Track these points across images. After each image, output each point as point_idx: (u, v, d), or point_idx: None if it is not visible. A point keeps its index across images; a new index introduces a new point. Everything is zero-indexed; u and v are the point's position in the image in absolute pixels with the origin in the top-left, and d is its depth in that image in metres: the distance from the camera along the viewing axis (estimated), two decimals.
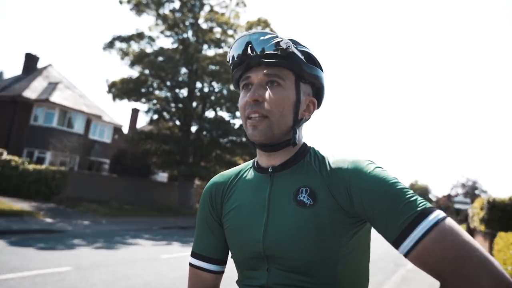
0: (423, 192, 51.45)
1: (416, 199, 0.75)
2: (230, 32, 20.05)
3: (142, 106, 55.38)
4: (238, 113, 19.75)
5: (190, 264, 1.01)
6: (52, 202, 14.76)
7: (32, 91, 21.59)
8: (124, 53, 17.27)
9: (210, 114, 20.97)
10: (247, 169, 1.02)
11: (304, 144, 0.97)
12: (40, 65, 25.52)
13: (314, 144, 1.03)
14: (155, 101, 19.87)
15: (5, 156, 15.53)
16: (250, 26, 19.34)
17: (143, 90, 18.74)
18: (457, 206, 27.71)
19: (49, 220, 10.84)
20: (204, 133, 19.83)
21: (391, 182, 0.78)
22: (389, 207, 0.75)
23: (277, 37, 0.90)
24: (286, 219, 0.84)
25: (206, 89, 20.25)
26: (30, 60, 24.98)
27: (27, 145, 20.87)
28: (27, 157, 20.49)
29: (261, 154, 0.95)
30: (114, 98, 18.17)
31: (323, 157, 0.91)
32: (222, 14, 19.76)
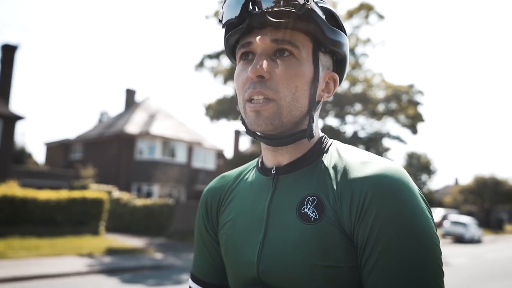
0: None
1: (436, 279, 0.65)
2: None
3: (242, 125, 57.88)
4: (348, 119, 19.23)
5: None
6: (162, 236, 16.20)
7: (134, 125, 24.43)
8: (216, 71, 18.46)
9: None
10: (250, 170, 0.91)
11: (322, 139, 0.83)
12: (139, 98, 28.89)
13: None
14: None
15: (116, 193, 17.74)
16: (350, 15, 18.86)
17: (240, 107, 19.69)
18: None
19: (159, 255, 11.85)
20: None
21: (423, 233, 0.66)
22: (396, 259, 0.65)
23: None
24: (286, 237, 0.74)
25: None
26: (130, 95, 28.44)
27: (135, 180, 23.52)
28: (137, 191, 23.09)
29: (266, 149, 0.84)
30: (211, 120, 19.41)
31: (344, 156, 0.77)
32: None
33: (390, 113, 18.34)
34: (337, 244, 0.69)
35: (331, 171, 0.76)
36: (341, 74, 0.85)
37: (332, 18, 0.80)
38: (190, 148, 26.05)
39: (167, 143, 24.55)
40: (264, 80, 0.74)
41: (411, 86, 18.24)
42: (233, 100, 19.14)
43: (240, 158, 20.84)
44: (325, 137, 0.85)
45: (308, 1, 0.72)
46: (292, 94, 0.75)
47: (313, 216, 0.72)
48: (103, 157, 24.45)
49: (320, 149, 0.81)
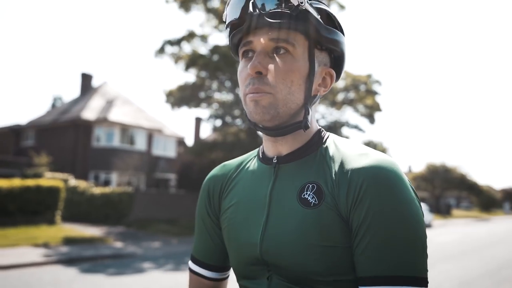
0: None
1: (421, 261, 0.72)
2: None
3: (204, 112, 57.50)
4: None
5: (189, 269, 1.00)
6: (122, 225, 15.91)
7: (91, 111, 23.64)
8: (177, 57, 18.09)
9: None
10: (251, 159, 0.98)
11: (320, 131, 0.90)
12: (96, 83, 27.93)
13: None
14: (217, 106, 20.47)
15: (72, 182, 17.18)
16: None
17: (202, 95, 19.45)
18: None
19: (119, 244, 11.65)
20: None
21: (413, 220, 0.73)
22: (386, 241, 0.71)
23: None
24: (287, 220, 0.81)
25: None
26: (86, 80, 27.43)
27: (92, 168, 22.84)
28: (94, 179, 22.44)
29: (267, 140, 0.90)
30: (172, 107, 19.09)
31: (341, 148, 0.84)
32: None
33: (349, 102, 18.80)
34: (334, 227, 0.76)
35: (329, 161, 0.82)
36: (338, 70, 0.91)
37: (328, 17, 0.85)
38: (150, 135, 25.57)
39: (126, 130, 23.96)
40: (262, 76, 0.80)
41: (369, 76, 18.74)
42: (194, 87, 18.89)
43: (201, 145, 20.67)
44: (323, 130, 0.91)
45: (302, 3, 0.78)
46: (288, 88, 0.81)
47: (313, 201, 0.79)
48: (58, 144, 23.51)
49: (318, 141, 0.88)
